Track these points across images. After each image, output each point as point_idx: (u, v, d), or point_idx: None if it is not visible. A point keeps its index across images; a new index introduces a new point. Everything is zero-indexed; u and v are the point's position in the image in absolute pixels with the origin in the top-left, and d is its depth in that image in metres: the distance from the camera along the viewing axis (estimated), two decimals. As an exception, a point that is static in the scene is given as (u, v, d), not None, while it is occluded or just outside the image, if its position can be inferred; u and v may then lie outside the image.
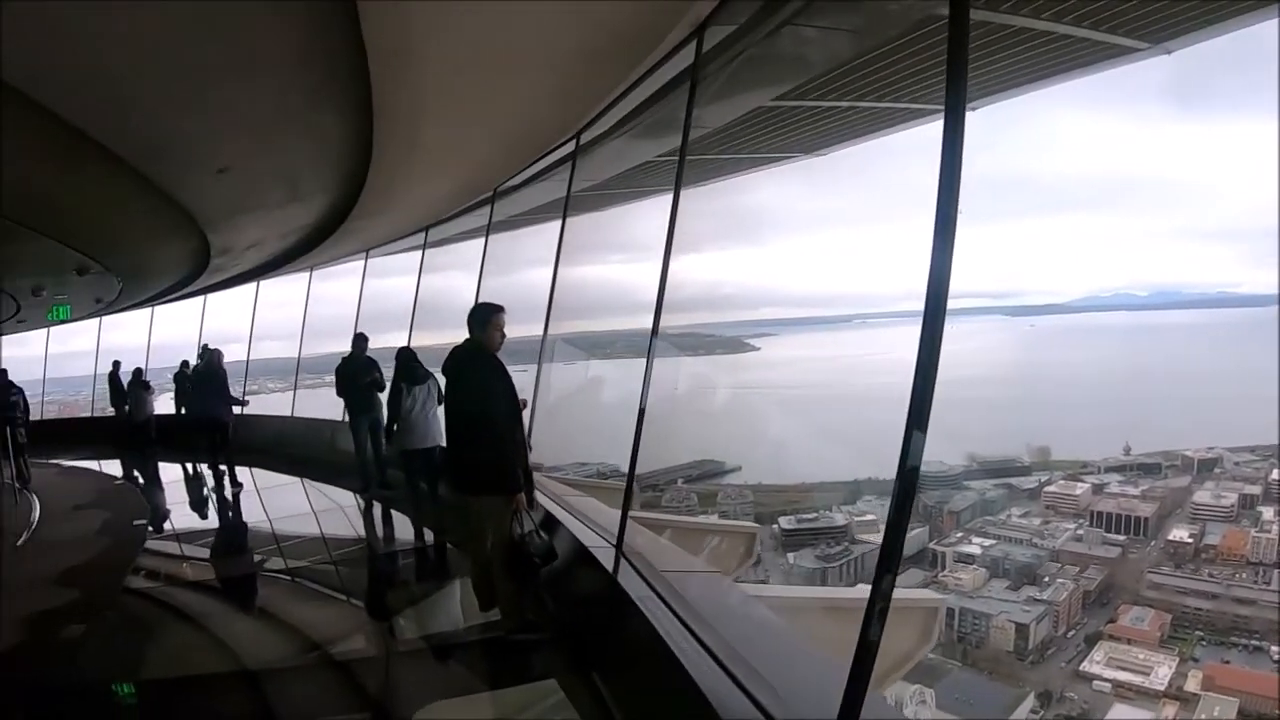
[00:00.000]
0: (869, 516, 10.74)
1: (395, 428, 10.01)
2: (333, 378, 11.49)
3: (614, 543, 5.87)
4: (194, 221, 8.65)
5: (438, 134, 7.26)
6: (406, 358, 10.17)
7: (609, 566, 5.57)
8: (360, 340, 11.49)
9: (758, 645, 3.92)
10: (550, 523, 6.43)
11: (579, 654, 5.56)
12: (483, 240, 12.78)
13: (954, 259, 2.74)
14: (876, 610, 2.81)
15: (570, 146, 8.57)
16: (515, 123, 7.46)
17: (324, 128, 6.49)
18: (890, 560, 2.86)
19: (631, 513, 5.95)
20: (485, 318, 6.09)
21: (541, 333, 8.90)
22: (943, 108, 2.87)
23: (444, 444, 9.44)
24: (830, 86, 6.43)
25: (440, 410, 9.49)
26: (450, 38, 4.88)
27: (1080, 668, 8.65)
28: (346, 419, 11.79)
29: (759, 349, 16.83)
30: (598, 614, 5.58)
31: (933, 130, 7.14)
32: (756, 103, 6.98)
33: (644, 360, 6.21)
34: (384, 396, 10.99)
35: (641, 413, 5.93)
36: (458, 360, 6.12)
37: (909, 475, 2.81)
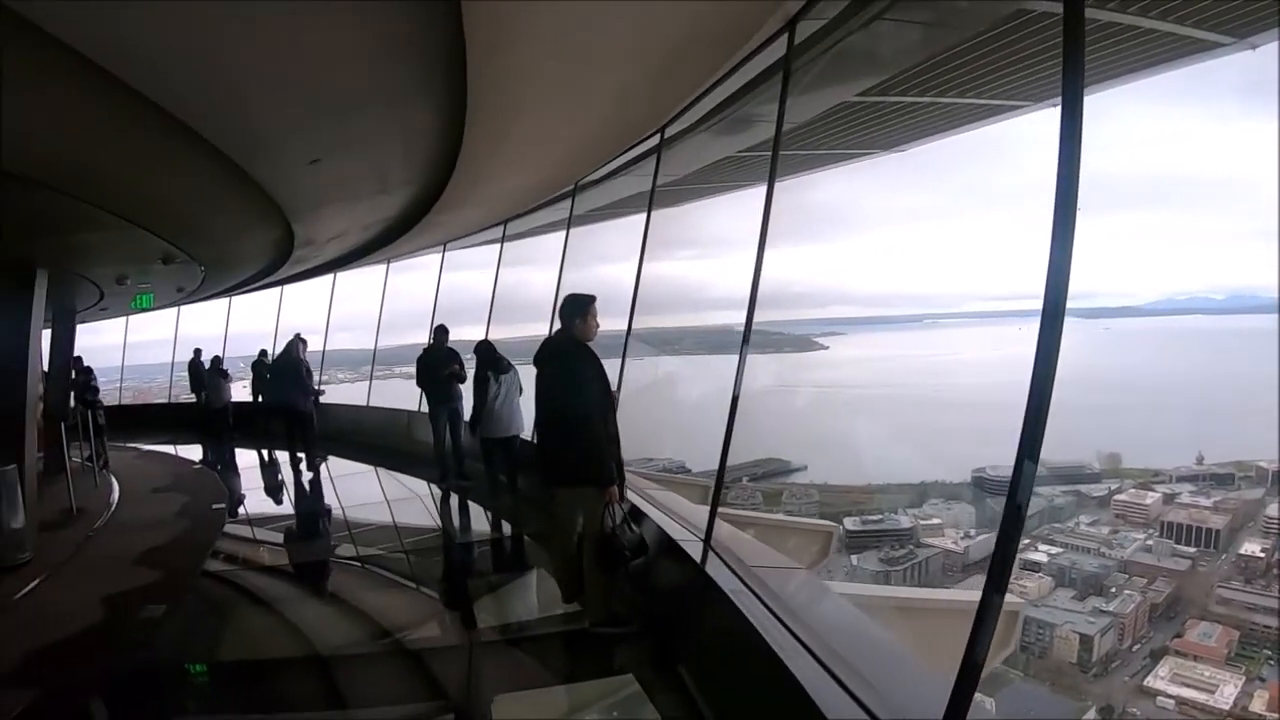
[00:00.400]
0: (934, 520, 10.64)
1: (479, 417, 10.27)
2: (406, 369, 11.61)
3: (700, 536, 5.83)
4: (281, 212, 8.71)
5: (526, 128, 7.27)
6: (488, 349, 10.40)
7: (696, 560, 5.53)
8: (441, 332, 11.57)
9: (854, 644, 3.89)
10: (636, 515, 6.42)
11: (663, 647, 5.57)
12: (555, 235, 12.94)
13: (1072, 261, 2.68)
14: (986, 626, 2.82)
15: (652, 141, 8.55)
16: (601, 117, 7.45)
17: (416, 120, 6.52)
18: (1000, 580, 2.86)
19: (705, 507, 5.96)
20: (580, 308, 6.09)
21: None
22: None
23: (523, 434, 9.94)
24: (911, 82, 6.37)
25: (520, 401, 9.98)
26: (546, 28, 4.86)
27: (1144, 683, 8.45)
28: (425, 409, 11.97)
29: (827, 348, 16.88)
30: (686, 607, 5.56)
31: (1006, 127, 7.16)
32: (840, 98, 6.90)
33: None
34: (464, 387, 11.19)
35: (734, 407, 5.85)
36: (551, 351, 6.15)
37: (1017, 501, 2.76)
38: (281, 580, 8.71)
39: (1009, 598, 7.02)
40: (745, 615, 4.37)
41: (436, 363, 11.31)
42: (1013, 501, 2.69)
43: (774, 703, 3.81)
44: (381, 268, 18.89)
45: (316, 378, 15.01)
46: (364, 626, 7.19)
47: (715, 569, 5.27)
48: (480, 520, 10.40)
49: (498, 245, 15.03)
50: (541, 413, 6.23)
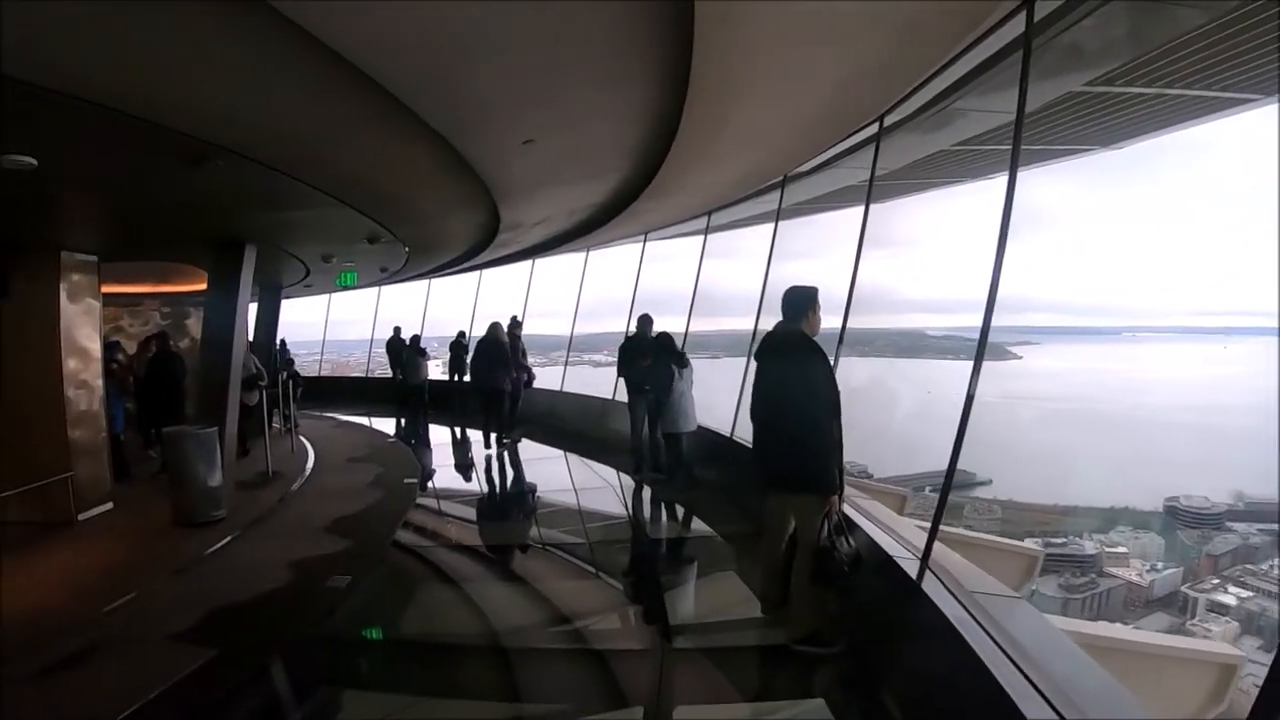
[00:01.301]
0: (1120, 549, 9.94)
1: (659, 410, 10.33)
2: (598, 356, 11.46)
3: (914, 552, 5.44)
4: (489, 195, 8.71)
5: (746, 113, 6.95)
6: (669, 342, 10.38)
7: (913, 579, 5.12)
8: (645, 321, 11.39)
9: (1096, 694, 3.52)
10: (849, 526, 5.92)
11: (865, 672, 5.21)
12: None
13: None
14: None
15: (870, 131, 8.12)
16: (822, 101, 7.03)
17: (635, 101, 6.32)
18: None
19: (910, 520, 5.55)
20: (808, 301, 5.73)
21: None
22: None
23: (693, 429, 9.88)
24: (1140, 71, 5.75)
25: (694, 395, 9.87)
26: (777, 3, 4.54)
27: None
28: (623, 398, 11.90)
29: (1021, 357, 15.31)
30: (898, 631, 5.15)
31: (1233, 123, 6.47)
32: (1067, 87, 6.26)
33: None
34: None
35: (965, 415, 5.33)
36: (776, 344, 5.76)
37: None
38: (468, 558, 8.67)
39: (1224, 646, 6.34)
40: (971, 647, 3.99)
41: (639, 352, 11.10)
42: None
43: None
44: (580, 255, 18.80)
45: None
46: (547, 613, 7.02)
47: (934, 591, 4.86)
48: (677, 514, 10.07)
49: (696, 237, 14.56)
50: (761, 410, 5.84)
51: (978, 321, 5.20)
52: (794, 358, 5.58)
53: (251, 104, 5.30)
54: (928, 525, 5.50)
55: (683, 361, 10.18)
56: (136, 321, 17.12)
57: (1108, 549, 10.06)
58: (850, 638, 5.54)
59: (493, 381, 14.63)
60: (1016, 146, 5.23)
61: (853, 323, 8.26)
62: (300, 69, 4.65)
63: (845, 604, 5.70)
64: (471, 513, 10.99)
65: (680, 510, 10.03)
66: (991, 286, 5.06)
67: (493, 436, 14.79)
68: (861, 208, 7.89)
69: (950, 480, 5.47)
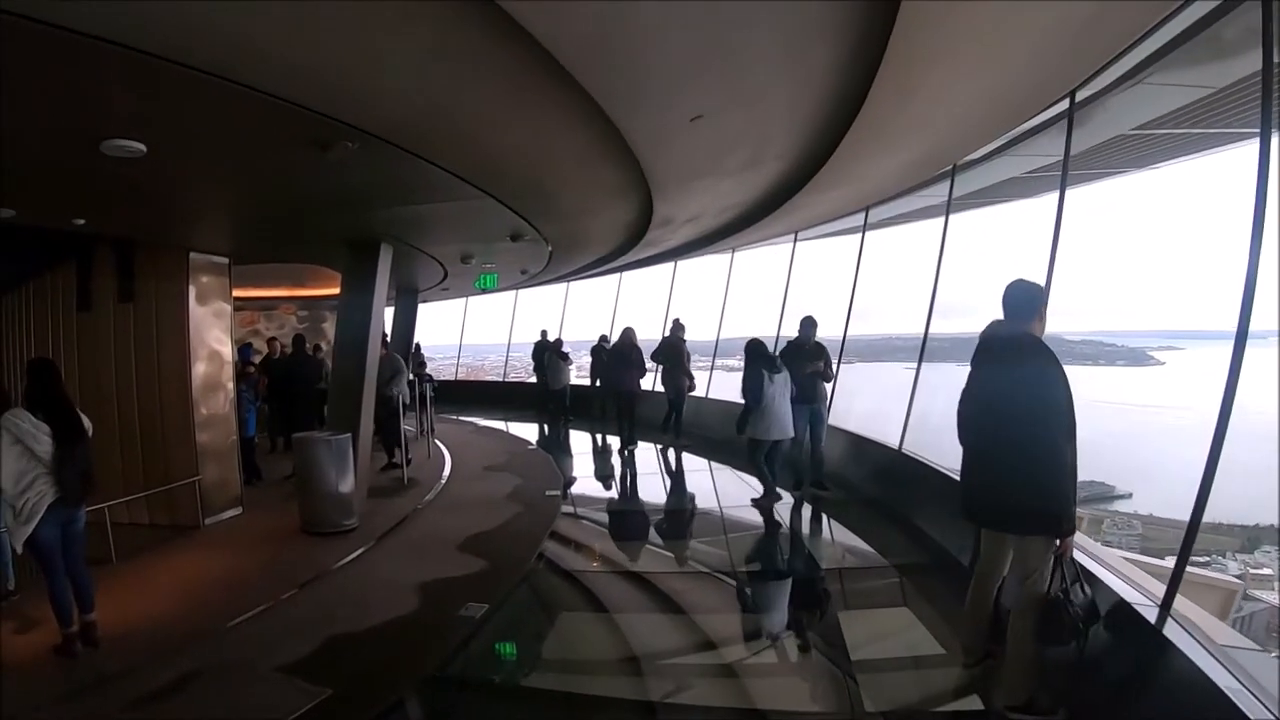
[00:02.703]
0: (1265, 570, 9.07)
1: (749, 417, 9.59)
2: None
3: (1153, 599, 4.53)
4: (645, 184, 8.03)
5: (936, 83, 6.04)
6: (759, 346, 9.69)
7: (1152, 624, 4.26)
8: (809, 324, 10.45)
9: None
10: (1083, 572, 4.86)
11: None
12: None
13: None
14: None
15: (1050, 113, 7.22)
16: (1016, 70, 6.10)
17: (819, 70, 5.52)
18: None
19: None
20: (1038, 296, 4.79)
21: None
22: None
23: (792, 435, 9.65)
24: None
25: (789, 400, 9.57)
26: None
27: None
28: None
29: (1163, 363, 15.18)
30: (1143, 697, 4.22)
31: None
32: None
33: None
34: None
35: (1222, 424, 4.60)
36: (999, 348, 4.80)
37: None
38: (615, 580, 7.80)
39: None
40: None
41: (802, 358, 10.21)
42: None
43: None
44: (722, 257, 18.06)
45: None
46: (706, 655, 6.04)
47: (1183, 643, 4.00)
48: (845, 537, 9.13)
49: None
50: (976, 429, 4.89)
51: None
52: (1024, 366, 4.56)
53: (394, 79, 4.77)
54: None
55: (775, 365, 9.52)
56: (272, 325, 17.38)
57: (1253, 570, 9.21)
58: (1069, 700, 4.59)
59: (627, 385, 14.53)
60: (1267, 110, 4.33)
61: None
62: (451, 34, 4.16)
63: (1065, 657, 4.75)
64: (619, 529, 10.08)
65: (836, 530, 9.25)
66: (1248, 280, 4.34)
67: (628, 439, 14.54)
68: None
69: (1202, 508, 4.65)
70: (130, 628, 6.21)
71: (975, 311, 6.75)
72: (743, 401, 9.62)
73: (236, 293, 10.41)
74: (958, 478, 8.11)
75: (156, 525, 9.33)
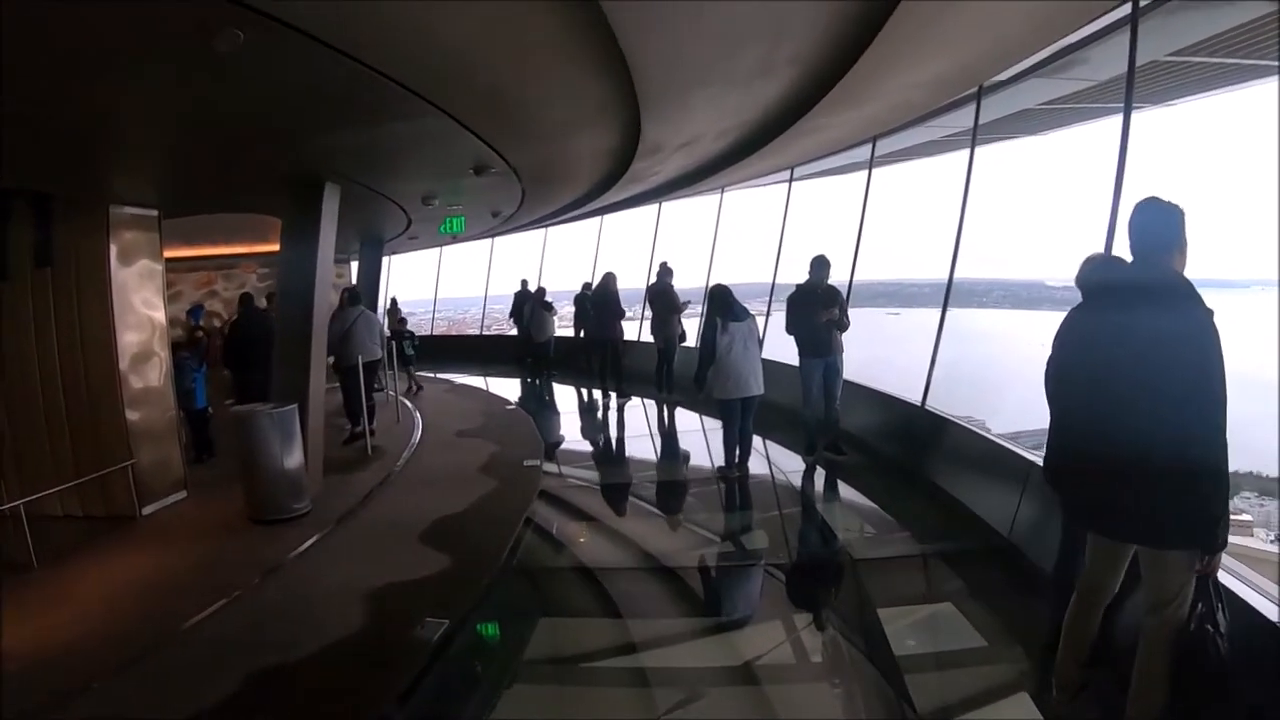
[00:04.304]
0: (1244, 516, 8.65)
1: (708, 373, 8.55)
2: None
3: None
4: (633, 100, 6.76)
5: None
6: (723, 294, 8.61)
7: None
8: (821, 265, 9.22)
9: None
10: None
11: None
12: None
13: None
14: None
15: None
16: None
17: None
18: None
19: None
20: (1179, 224, 3.47)
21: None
22: None
23: (761, 391, 8.57)
24: None
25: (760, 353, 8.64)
26: None
27: None
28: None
29: None
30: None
31: None
32: None
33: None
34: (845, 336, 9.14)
35: None
36: (1125, 296, 3.49)
37: None
38: (606, 575, 6.66)
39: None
40: None
41: (813, 304, 9.04)
42: None
43: None
44: (712, 199, 16.96)
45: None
46: (727, 673, 5.00)
47: None
48: (874, 518, 7.96)
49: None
50: (1084, 405, 3.62)
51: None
52: (1168, 320, 3.26)
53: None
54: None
55: (735, 313, 8.51)
56: (232, 285, 16.29)
57: (1232, 515, 8.21)
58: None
59: (608, 334, 14.38)
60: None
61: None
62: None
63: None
64: (606, 508, 8.98)
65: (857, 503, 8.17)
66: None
67: (612, 395, 14.31)
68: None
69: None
70: (35, 657, 5.11)
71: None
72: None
73: (190, 251, 9.26)
74: (993, 438, 6.91)
75: (91, 517, 8.21)
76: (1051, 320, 3.76)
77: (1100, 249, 5.43)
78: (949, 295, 8.61)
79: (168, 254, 9.15)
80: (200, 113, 5.74)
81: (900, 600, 5.87)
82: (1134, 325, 3.35)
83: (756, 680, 4.86)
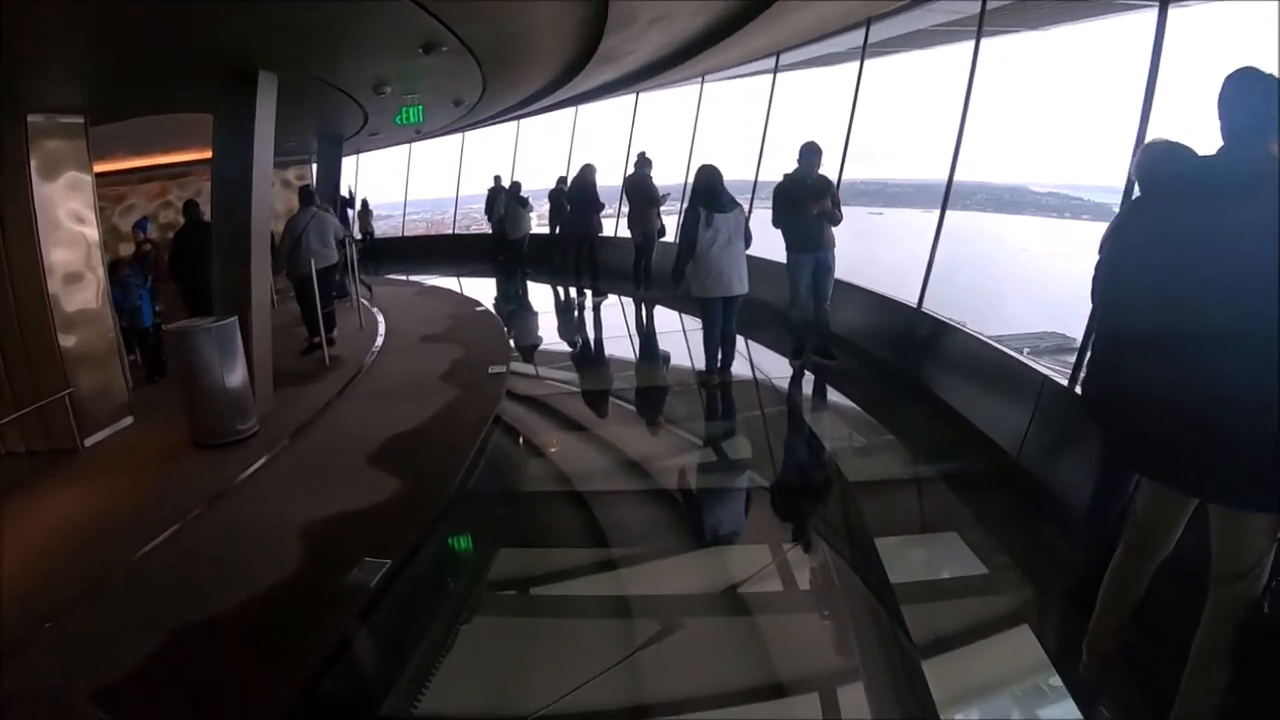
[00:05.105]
0: None
1: (686, 268, 7.92)
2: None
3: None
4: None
5: None
6: (711, 178, 7.84)
7: None
8: (811, 152, 8.44)
9: None
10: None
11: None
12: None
13: None
14: None
15: None
16: None
17: None
18: None
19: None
20: (1273, 96, 2.70)
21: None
22: None
23: (744, 291, 7.97)
24: None
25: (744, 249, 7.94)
26: None
27: None
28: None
29: None
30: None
31: None
32: None
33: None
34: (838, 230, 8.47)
35: None
36: (1209, 187, 2.78)
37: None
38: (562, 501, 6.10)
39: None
40: None
41: (802, 195, 8.30)
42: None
43: None
44: (692, 90, 16.31)
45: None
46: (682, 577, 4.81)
47: None
48: (865, 429, 7.42)
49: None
50: (1140, 317, 2.92)
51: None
52: (1262, 217, 2.52)
53: None
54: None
55: (719, 203, 7.78)
56: (187, 193, 15.27)
57: None
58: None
59: (585, 229, 13.82)
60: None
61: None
62: None
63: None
64: (578, 416, 8.35)
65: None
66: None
67: (588, 293, 13.85)
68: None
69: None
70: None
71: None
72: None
73: (140, 161, 8.57)
74: (1001, 347, 6.40)
75: (34, 453, 7.66)
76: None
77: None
78: (948, 194, 8.05)
79: (115, 166, 8.46)
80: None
81: (896, 523, 5.41)
82: (1224, 227, 2.63)
83: (739, 609, 4.43)
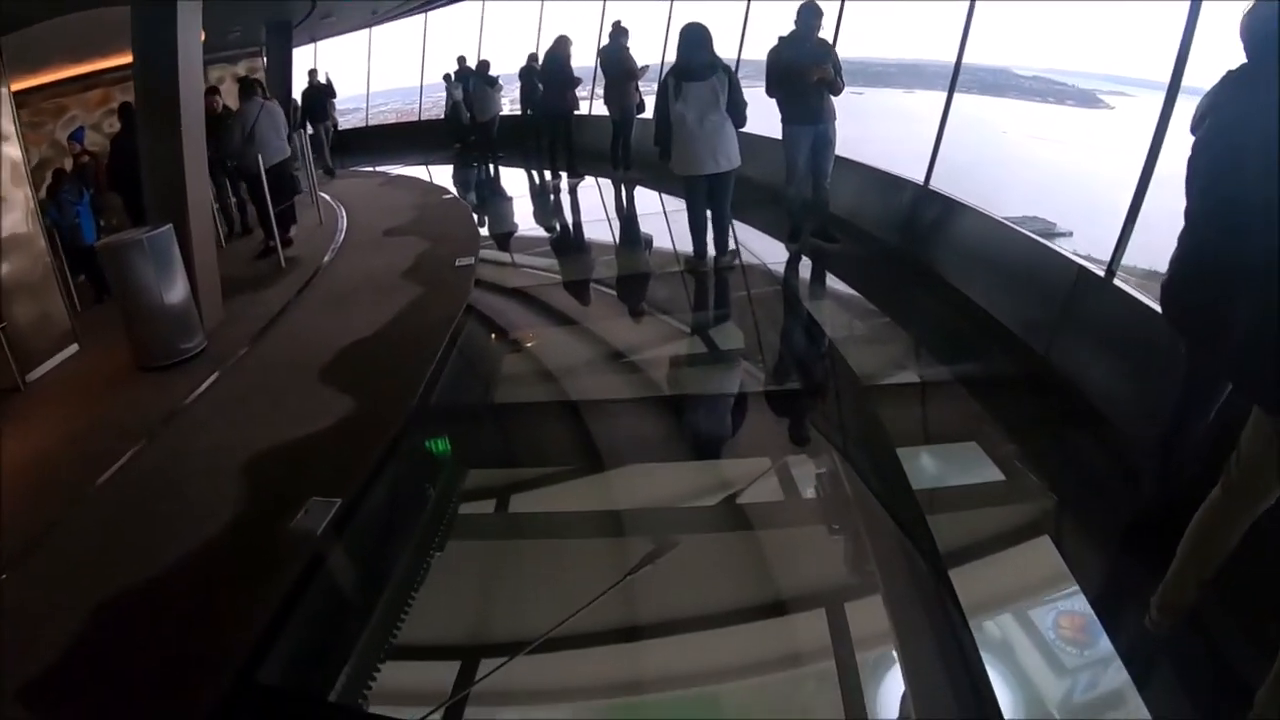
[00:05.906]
0: None
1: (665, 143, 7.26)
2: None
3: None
4: None
5: None
6: (685, 39, 7.02)
7: None
8: (811, 12, 7.59)
9: None
10: None
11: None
12: None
13: None
14: None
15: None
16: None
17: None
18: None
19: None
20: None
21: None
22: None
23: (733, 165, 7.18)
24: None
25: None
26: None
27: None
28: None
29: (1113, 108, 15.51)
30: None
31: None
32: None
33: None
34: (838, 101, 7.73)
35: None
36: None
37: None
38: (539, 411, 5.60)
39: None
40: None
41: (800, 60, 7.49)
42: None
43: None
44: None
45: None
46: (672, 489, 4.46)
47: None
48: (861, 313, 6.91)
49: None
50: (1249, 209, 2.38)
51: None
52: None
53: None
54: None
55: (692, 70, 6.96)
56: (130, 97, 14.42)
57: None
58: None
59: (559, 107, 12.95)
60: None
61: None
62: None
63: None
64: (554, 310, 7.72)
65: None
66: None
67: (563, 176, 13.26)
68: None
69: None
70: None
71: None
72: None
73: (79, 69, 8.37)
74: (1026, 232, 5.82)
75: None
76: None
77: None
78: (957, 73, 7.48)
79: (54, 77, 7.76)
80: None
81: (912, 427, 4.91)
82: None
83: (738, 524, 4.07)
